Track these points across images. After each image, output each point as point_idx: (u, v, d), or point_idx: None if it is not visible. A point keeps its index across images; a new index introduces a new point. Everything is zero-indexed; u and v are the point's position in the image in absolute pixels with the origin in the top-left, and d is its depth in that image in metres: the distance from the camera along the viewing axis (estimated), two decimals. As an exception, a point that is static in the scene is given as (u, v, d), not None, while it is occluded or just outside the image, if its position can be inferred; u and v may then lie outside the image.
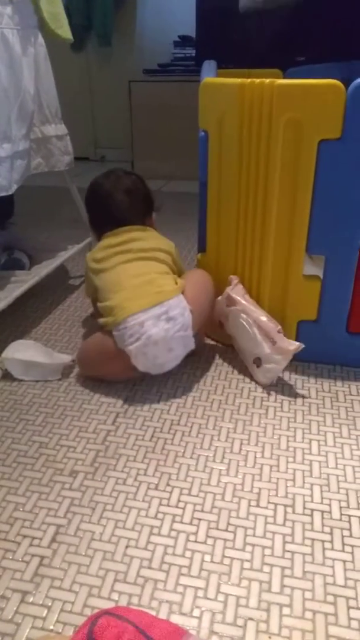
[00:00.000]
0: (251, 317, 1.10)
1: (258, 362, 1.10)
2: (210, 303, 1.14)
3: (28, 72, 1.17)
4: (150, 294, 1.03)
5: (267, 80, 0.96)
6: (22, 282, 1.30)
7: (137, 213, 1.19)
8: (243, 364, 1.16)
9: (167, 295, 1.04)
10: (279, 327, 1.08)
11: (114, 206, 1.17)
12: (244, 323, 1.10)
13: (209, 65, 1.34)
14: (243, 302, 1.13)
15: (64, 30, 1.31)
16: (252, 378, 1.12)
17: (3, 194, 1.12)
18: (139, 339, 1.00)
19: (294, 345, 1.05)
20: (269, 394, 1.08)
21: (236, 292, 1.15)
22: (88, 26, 3.14)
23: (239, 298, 1.13)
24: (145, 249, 1.12)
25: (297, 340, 1.14)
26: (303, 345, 1.04)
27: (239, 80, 1.00)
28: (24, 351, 1.14)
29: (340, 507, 0.81)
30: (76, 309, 1.45)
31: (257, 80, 0.97)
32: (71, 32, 1.33)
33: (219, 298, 1.16)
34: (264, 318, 1.09)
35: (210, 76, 1.12)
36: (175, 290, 1.06)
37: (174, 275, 1.13)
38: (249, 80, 0.98)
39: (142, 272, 1.08)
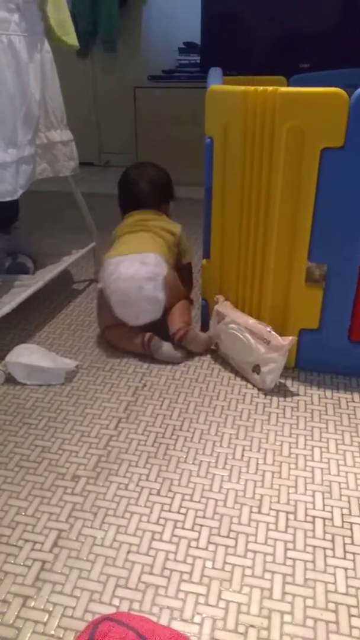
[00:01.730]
0: (241, 324, 1.12)
1: (257, 369, 1.10)
2: (183, 296, 1.29)
3: (34, 78, 1.18)
4: (134, 248, 1.22)
5: (270, 88, 0.97)
6: (26, 286, 1.31)
7: (154, 200, 1.38)
8: (245, 370, 1.17)
9: (148, 249, 1.21)
10: (269, 327, 1.09)
11: (136, 191, 1.38)
12: (236, 332, 1.12)
13: (215, 73, 1.35)
14: (231, 312, 1.16)
15: (71, 37, 1.32)
16: (254, 384, 1.12)
17: (8, 198, 1.13)
18: (114, 277, 1.17)
19: (287, 340, 1.06)
20: (271, 400, 1.08)
21: (223, 307, 1.18)
22: (93, 32, 3.17)
23: (227, 310, 1.16)
24: (150, 226, 1.30)
25: (298, 348, 1.15)
26: (296, 338, 1.05)
27: (243, 88, 1.00)
28: (27, 355, 1.14)
29: (342, 515, 0.81)
30: (80, 314, 1.46)
31: (261, 88, 0.98)
32: (77, 39, 1.34)
33: (211, 320, 1.20)
34: (252, 322, 1.12)
35: (217, 83, 1.13)
36: (158, 250, 1.22)
37: (167, 250, 1.27)
38: (253, 88, 0.99)
39: (139, 237, 1.27)
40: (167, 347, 1.19)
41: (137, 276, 1.15)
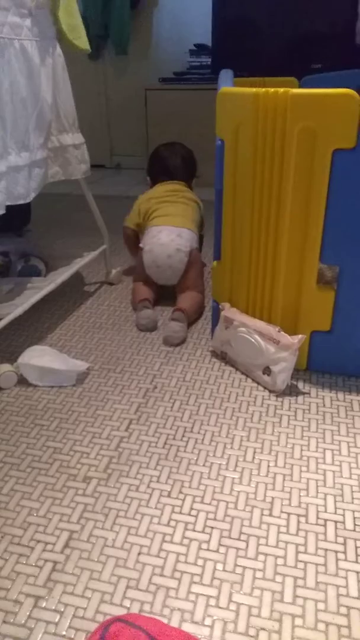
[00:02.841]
0: (250, 327, 1.12)
1: (268, 371, 1.10)
2: (200, 271, 1.52)
3: (46, 82, 1.20)
4: (174, 221, 1.49)
5: (282, 90, 0.96)
6: (38, 288, 1.32)
7: (184, 174, 1.67)
8: (257, 371, 1.16)
9: (185, 225, 1.49)
10: (278, 327, 1.10)
11: (171, 165, 1.66)
12: (245, 335, 1.12)
13: (226, 74, 1.35)
14: (239, 316, 1.16)
15: (82, 41, 1.33)
16: (265, 386, 1.12)
17: (21, 201, 1.14)
18: (154, 240, 1.45)
19: (297, 338, 1.06)
20: (282, 402, 1.08)
21: (231, 312, 1.18)
22: (105, 35, 3.18)
23: (234, 315, 1.17)
24: (186, 197, 1.59)
25: (310, 350, 1.14)
26: (306, 337, 1.05)
27: (254, 89, 1.00)
28: (39, 357, 1.15)
29: (354, 518, 0.80)
30: (91, 315, 1.46)
31: (272, 90, 0.97)
32: (88, 42, 1.35)
33: (217, 329, 1.21)
34: (261, 324, 1.12)
35: (227, 85, 1.13)
36: (192, 227, 1.51)
37: (197, 223, 1.57)
38: (264, 89, 0.99)
39: (177, 210, 1.53)
40: (147, 317, 1.38)
41: (170, 245, 1.42)
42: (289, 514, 0.81)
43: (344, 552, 0.75)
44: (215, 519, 0.80)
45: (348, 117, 0.92)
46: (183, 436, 0.98)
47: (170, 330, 1.30)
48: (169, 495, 0.85)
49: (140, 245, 1.51)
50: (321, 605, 0.68)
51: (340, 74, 1.59)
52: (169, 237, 1.44)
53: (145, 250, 1.45)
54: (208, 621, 0.66)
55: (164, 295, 1.50)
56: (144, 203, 1.59)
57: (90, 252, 1.56)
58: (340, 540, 0.77)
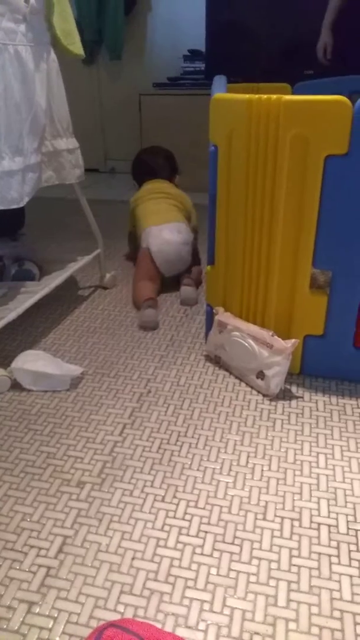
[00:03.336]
0: (244, 331, 1.13)
1: (261, 375, 1.10)
2: (197, 255, 1.72)
3: (40, 87, 1.20)
4: (170, 217, 1.65)
5: (274, 96, 0.97)
6: (32, 292, 1.32)
7: (167, 172, 1.84)
8: (250, 376, 1.17)
9: (178, 219, 1.66)
10: (272, 331, 1.10)
11: (153, 165, 1.83)
12: (239, 340, 1.13)
13: (219, 80, 1.36)
14: (232, 320, 1.17)
15: (76, 47, 1.33)
16: (259, 390, 1.12)
17: (14, 206, 1.14)
18: (159, 241, 1.58)
19: (290, 343, 1.07)
20: (276, 406, 1.08)
21: (224, 317, 1.19)
22: (99, 40, 3.19)
23: (228, 319, 1.17)
24: (169, 193, 1.73)
25: (303, 355, 1.15)
26: (299, 341, 1.05)
27: (247, 96, 1.01)
28: (33, 361, 1.15)
29: (348, 522, 0.81)
30: (85, 320, 1.46)
31: (265, 96, 0.98)
32: (83, 47, 1.35)
33: (211, 333, 1.21)
34: (255, 328, 1.13)
35: (221, 91, 1.14)
36: (183, 219, 1.67)
37: (186, 215, 1.73)
38: (257, 96, 1.00)
39: (165, 205, 1.69)
40: (151, 317, 1.43)
41: (176, 242, 1.59)
42: (282, 518, 0.82)
43: (338, 556, 0.75)
44: (209, 524, 0.81)
45: (340, 124, 0.93)
46: (177, 440, 0.99)
47: (185, 293, 1.55)
48: (163, 500, 0.85)
49: (144, 246, 1.61)
50: (315, 609, 0.68)
51: (333, 81, 1.60)
52: (171, 234, 1.59)
53: (154, 250, 1.58)
54: (202, 626, 0.66)
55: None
56: (134, 204, 1.75)
57: (85, 257, 1.56)
58: (334, 544, 0.77)
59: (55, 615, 0.68)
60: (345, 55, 2.18)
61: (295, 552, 0.76)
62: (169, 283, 1.62)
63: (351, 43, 2.13)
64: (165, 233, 1.59)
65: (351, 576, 0.72)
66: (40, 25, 1.19)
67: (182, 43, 3.06)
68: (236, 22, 2.71)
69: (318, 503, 0.84)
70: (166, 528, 0.80)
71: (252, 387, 1.14)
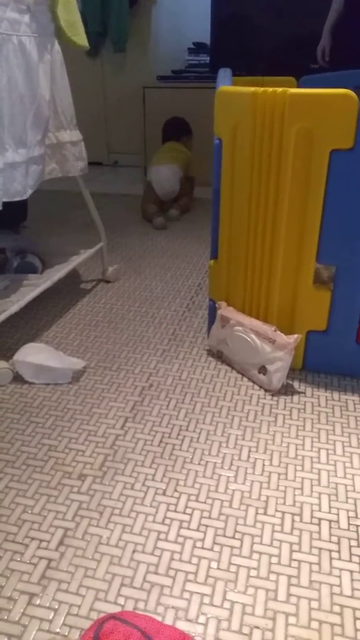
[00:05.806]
0: (246, 326, 1.12)
1: (263, 370, 1.10)
2: (186, 190, 2.49)
3: (44, 78, 1.19)
4: (164, 160, 2.39)
5: (280, 90, 0.96)
6: (34, 285, 1.32)
7: (177, 132, 2.60)
8: (252, 371, 1.17)
9: (173, 162, 2.39)
10: (274, 326, 1.10)
11: (165, 132, 2.65)
12: (241, 334, 1.12)
13: (224, 73, 1.35)
14: (235, 315, 1.16)
15: (80, 38, 1.33)
16: (261, 385, 1.12)
17: (17, 198, 1.14)
18: (157, 175, 2.33)
19: (293, 338, 1.06)
20: (277, 401, 1.08)
21: (227, 311, 1.19)
22: (103, 33, 3.18)
23: (231, 314, 1.17)
24: (172, 148, 2.50)
25: (305, 350, 1.14)
26: (301, 337, 1.05)
27: (252, 89, 1.00)
28: (35, 354, 1.15)
29: (349, 517, 0.81)
30: (87, 313, 1.46)
31: (270, 90, 0.98)
32: (87, 39, 1.35)
33: (213, 327, 1.21)
34: (258, 323, 1.12)
35: (226, 84, 1.13)
36: (179, 163, 2.40)
37: (183, 163, 2.44)
38: (262, 89, 0.99)
39: (166, 154, 2.44)
40: (161, 221, 2.21)
41: (167, 175, 2.33)
42: (283, 512, 0.82)
43: (338, 551, 0.75)
44: (210, 518, 0.81)
45: (346, 118, 0.93)
46: (178, 434, 0.99)
47: (158, 223, 2.21)
48: (164, 494, 0.85)
49: (147, 178, 2.41)
50: (315, 604, 0.68)
51: (338, 74, 1.59)
52: (165, 170, 2.34)
53: (154, 180, 2.35)
54: (202, 619, 0.66)
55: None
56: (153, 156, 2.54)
57: (87, 250, 1.56)
58: (335, 539, 0.77)
59: (56, 607, 0.68)
60: (345, 55, 2.17)
61: (295, 547, 0.76)
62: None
63: (351, 46, 2.13)
64: (162, 169, 2.35)
65: (351, 571, 0.72)
66: (44, 16, 1.18)
67: (187, 36, 3.04)
68: (241, 15, 2.70)
69: (319, 498, 0.84)
70: (167, 521, 0.80)
71: (254, 382, 1.14)
